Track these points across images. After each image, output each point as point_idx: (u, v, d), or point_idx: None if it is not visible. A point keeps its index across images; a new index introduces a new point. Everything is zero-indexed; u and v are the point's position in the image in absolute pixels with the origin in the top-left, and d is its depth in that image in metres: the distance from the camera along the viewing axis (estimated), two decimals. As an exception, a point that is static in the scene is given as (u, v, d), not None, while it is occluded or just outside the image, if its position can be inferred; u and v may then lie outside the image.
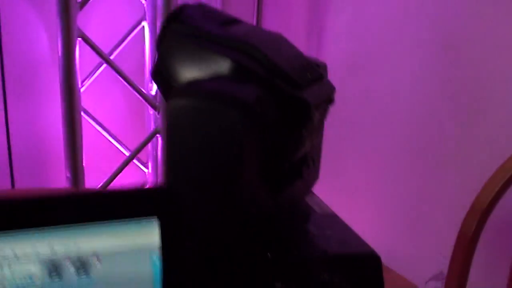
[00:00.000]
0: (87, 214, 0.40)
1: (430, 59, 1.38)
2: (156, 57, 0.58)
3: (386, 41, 1.48)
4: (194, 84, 0.52)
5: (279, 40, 0.60)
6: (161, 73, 0.57)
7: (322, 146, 0.69)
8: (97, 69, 1.53)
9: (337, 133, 1.75)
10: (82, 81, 1.46)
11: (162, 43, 0.57)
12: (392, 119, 1.49)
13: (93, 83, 1.53)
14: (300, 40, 1.84)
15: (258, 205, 0.53)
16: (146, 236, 0.41)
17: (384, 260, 0.60)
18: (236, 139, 0.49)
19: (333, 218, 0.66)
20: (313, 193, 0.71)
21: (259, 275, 0.55)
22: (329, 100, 0.58)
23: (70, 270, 0.40)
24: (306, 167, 0.65)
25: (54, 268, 0.40)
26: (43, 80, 1.65)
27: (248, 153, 0.50)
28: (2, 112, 1.59)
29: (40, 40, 1.59)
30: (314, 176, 0.68)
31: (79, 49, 1.38)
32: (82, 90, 1.44)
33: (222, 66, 0.53)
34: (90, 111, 1.53)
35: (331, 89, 0.58)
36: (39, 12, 1.56)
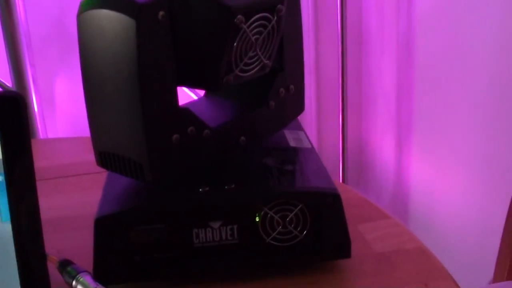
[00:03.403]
0: None
1: None
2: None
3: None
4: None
5: None
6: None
7: (303, 77, 0.60)
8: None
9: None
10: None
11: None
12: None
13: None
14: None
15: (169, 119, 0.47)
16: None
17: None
18: (131, 43, 0.43)
19: (305, 153, 0.57)
20: (298, 126, 0.63)
21: (189, 212, 0.49)
22: (271, 9, 0.49)
23: None
24: (275, 95, 0.56)
25: None
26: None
27: (148, 57, 0.44)
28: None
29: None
30: (294, 106, 0.59)
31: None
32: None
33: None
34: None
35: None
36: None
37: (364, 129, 2.11)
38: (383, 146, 1.95)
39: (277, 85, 0.56)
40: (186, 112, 0.48)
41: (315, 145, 2.08)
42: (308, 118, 1.97)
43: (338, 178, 1.89)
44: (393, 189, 1.91)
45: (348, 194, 0.63)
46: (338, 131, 1.83)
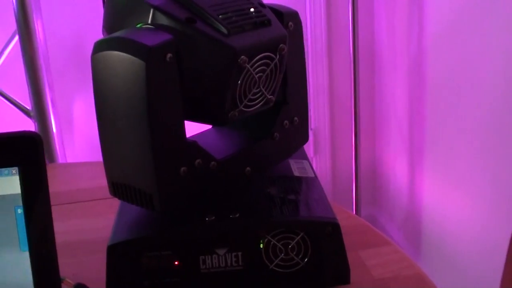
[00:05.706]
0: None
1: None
2: (103, 15, 0.57)
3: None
4: (105, 39, 0.50)
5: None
6: (106, 29, 0.56)
7: (307, 108, 0.62)
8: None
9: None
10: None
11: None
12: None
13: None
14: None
15: (177, 154, 0.50)
16: (8, 187, 0.40)
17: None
18: (141, 83, 0.46)
19: (308, 183, 0.59)
20: (303, 155, 0.65)
21: (196, 239, 0.51)
22: (274, 48, 0.52)
23: None
24: (280, 127, 0.59)
25: None
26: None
27: (157, 95, 0.47)
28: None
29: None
30: (298, 137, 0.62)
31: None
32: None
33: (146, 14, 0.51)
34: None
35: (278, 36, 0.53)
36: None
37: (377, 149, 2.13)
38: (396, 166, 1.97)
39: (282, 117, 0.59)
40: (194, 145, 0.51)
41: (328, 166, 2.11)
42: (322, 139, 1.99)
43: (351, 198, 1.91)
44: (406, 208, 1.92)
45: (350, 220, 0.66)
46: (352, 152, 1.85)
